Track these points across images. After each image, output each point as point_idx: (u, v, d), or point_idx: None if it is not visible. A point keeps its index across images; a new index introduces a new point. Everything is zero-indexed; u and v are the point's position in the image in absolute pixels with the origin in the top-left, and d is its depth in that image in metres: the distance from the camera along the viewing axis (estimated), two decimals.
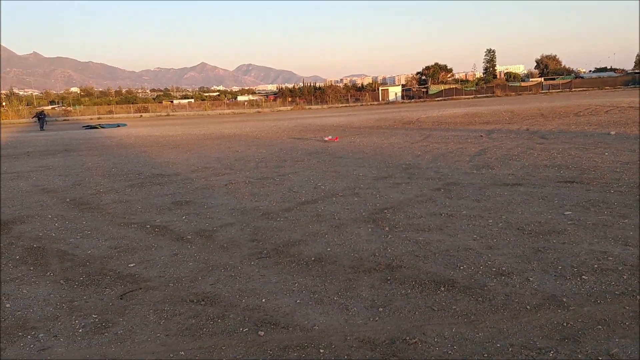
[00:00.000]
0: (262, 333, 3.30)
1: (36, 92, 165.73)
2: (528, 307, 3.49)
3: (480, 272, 4.20)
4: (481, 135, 16.15)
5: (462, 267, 4.31)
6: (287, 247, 5.16)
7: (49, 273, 4.71)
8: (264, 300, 3.85)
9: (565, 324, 3.22)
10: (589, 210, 6.02)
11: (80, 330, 3.48)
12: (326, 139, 17.88)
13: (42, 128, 36.28)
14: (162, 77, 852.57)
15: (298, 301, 3.80)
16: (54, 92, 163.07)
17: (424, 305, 3.61)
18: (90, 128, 35.92)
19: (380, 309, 3.57)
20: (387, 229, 5.66)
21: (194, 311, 3.70)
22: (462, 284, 3.95)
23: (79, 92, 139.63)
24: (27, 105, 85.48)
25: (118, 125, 37.42)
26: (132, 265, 4.84)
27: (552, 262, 4.32)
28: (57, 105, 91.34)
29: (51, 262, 5.05)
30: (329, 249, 5.03)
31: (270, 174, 10.32)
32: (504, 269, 4.24)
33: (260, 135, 21.96)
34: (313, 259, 4.76)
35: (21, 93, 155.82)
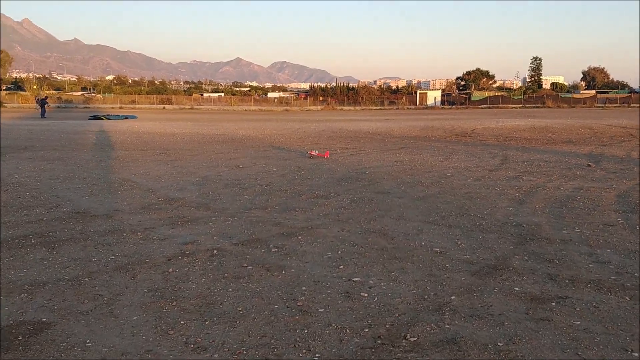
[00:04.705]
0: None
1: (73, 78, 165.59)
2: None
3: None
4: (589, 164, 11.14)
5: None
6: None
7: None
8: None
9: None
10: None
11: None
12: (312, 153, 12.73)
13: (42, 115, 32.54)
14: (197, 70, 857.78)
15: None
16: (88, 78, 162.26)
17: None
18: (96, 118, 31.96)
19: None
20: None
21: None
22: None
23: (112, 79, 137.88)
24: (57, 90, 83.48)
25: (126, 117, 33.35)
26: None
27: None
28: (87, 92, 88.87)
29: None
30: None
31: (267, 231, 5.66)
32: None
33: (279, 140, 17.33)
34: None
35: (59, 78, 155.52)
